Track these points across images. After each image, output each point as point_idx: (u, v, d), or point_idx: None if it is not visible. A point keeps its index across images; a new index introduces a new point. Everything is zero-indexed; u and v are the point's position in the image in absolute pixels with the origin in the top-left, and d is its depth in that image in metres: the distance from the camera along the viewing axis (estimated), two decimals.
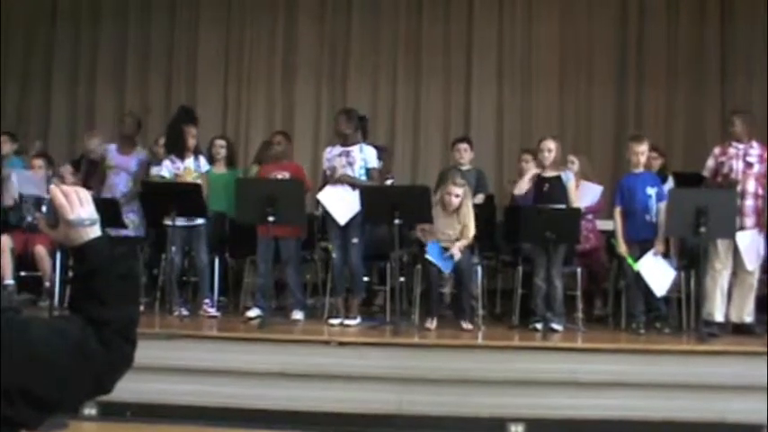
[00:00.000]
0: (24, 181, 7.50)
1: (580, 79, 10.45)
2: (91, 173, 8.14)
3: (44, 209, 1.71)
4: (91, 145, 8.37)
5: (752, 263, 6.82)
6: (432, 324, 6.93)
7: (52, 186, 1.72)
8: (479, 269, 7.31)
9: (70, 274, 6.37)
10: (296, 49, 10.76)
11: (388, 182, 8.19)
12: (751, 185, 6.87)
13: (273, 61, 10.81)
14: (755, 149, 6.95)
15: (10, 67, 10.75)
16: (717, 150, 7.07)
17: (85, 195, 1.72)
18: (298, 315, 7.26)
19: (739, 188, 6.85)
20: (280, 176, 7.46)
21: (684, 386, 6.04)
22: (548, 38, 10.47)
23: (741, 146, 6.96)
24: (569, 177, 7.20)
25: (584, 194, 7.59)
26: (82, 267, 1.68)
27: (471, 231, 7.10)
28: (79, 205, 1.69)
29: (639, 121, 10.21)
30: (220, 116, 10.79)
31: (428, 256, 6.92)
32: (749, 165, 6.90)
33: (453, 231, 7.08)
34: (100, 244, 1.70)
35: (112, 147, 7.94)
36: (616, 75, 10.40)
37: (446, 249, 6.93)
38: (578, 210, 7.05)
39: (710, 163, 7.07)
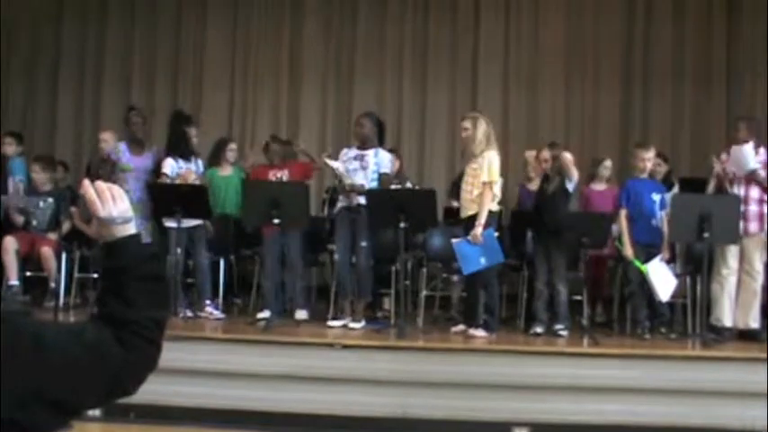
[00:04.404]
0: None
1: (586, 82, 10.44)
2: (102, 172, 7.78)
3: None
4: (106, 137, 8.08)
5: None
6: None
7: (85, 182, 1.70)
8: (495, 278, 7.05)
9: (76, 274, 6.39)
10: (302, 51, 10.76)
11: (408, 185, 8.19)
12: (755, 191, 6.86)
13: (280, 63, 10.81)
14: (761, 156, 6.93)
15: (16, 68, 10.77)
16: (723, 156, 7.06)
17: (119, 193, 1.70)
18: (302, 314, 7.24)
19: (743, 193, 6.84)
20: (279, 175, 7.55)
21: (689, 392, 6.02)
22: (554, 41, 10.46)
23: None
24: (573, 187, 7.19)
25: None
26: (110, 264, 1.67)
27: (487, 199, 6.61)
28: (111, 202, 1.67)
29: (645, 125, 10.20)
30: (226, 117, 10.80)
31: (458, 253, 6.62)
32: (752, 171, 6.88)
33: (471, 191, 6.74)
34: (130, 243, 1.68)
35: (123, 146, 7.71)
36: (622, 78, 10.39)
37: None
38: (611, 216, 7.10)
39: (717, 168, 7.05)
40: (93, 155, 8.53)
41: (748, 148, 6.82)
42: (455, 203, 7.60)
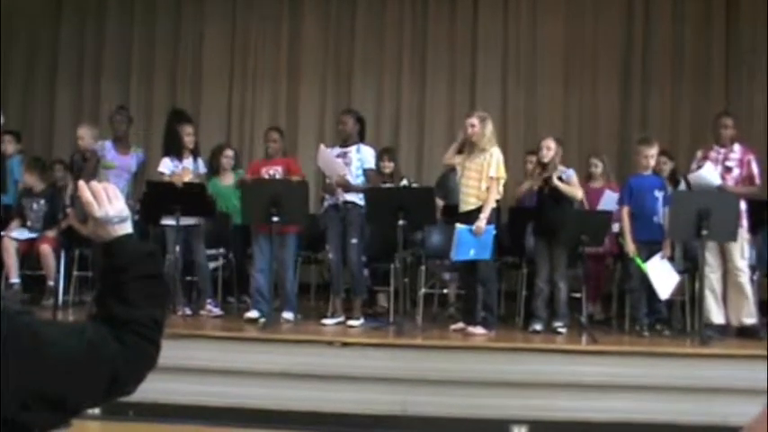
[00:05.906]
0: None
1: (585, 80, 10.43)
2: (82, 168, 7.60)
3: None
4: (82, 133, 7.75)
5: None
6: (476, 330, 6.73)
7: (80, 183, 1.70)
8: (494, 275, 7.05)
9: (75, 272, 6.38)
10: (301, 48, 10.75)
11: (403, 183, 8.20)
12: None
13: (278, 60, 10.80)
14: (736, 153, 6.99)
15: (14, 66, 10.75)
16: (699, 154, 7.12)
17: (114, 192, 1.71)
18: (288, 315, 7.23)
19: None
20: (272, 172, 7.46)
21: (687, 389, 6.03)
22: (553, 38, 10.45)
23: (723, 150, 7.01)
24: (570, 174, 7.15)
25: (606, 202, 7.59)
26: (108, 264, 1.67)
27: (493, 194, 6.67)
28: (107, 202, 1.68)
29: (644, 123, 10.19)
30: (225, 115, 10.79)
31: (456, 238, 6.61)
32: (728, 169, 6.91)
33: (476, 186, 6.74)
34: (128, 242, 1.68)
35: (109, 144, 7.62)
36: (621, 76, 10.39)
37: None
38: (610, 213, 7.10)
39: (694, 166, 7.10)
40: (74, 153, 8.33)
41: (707, 169, 6.86)
42: (440, 202, 7.74)
